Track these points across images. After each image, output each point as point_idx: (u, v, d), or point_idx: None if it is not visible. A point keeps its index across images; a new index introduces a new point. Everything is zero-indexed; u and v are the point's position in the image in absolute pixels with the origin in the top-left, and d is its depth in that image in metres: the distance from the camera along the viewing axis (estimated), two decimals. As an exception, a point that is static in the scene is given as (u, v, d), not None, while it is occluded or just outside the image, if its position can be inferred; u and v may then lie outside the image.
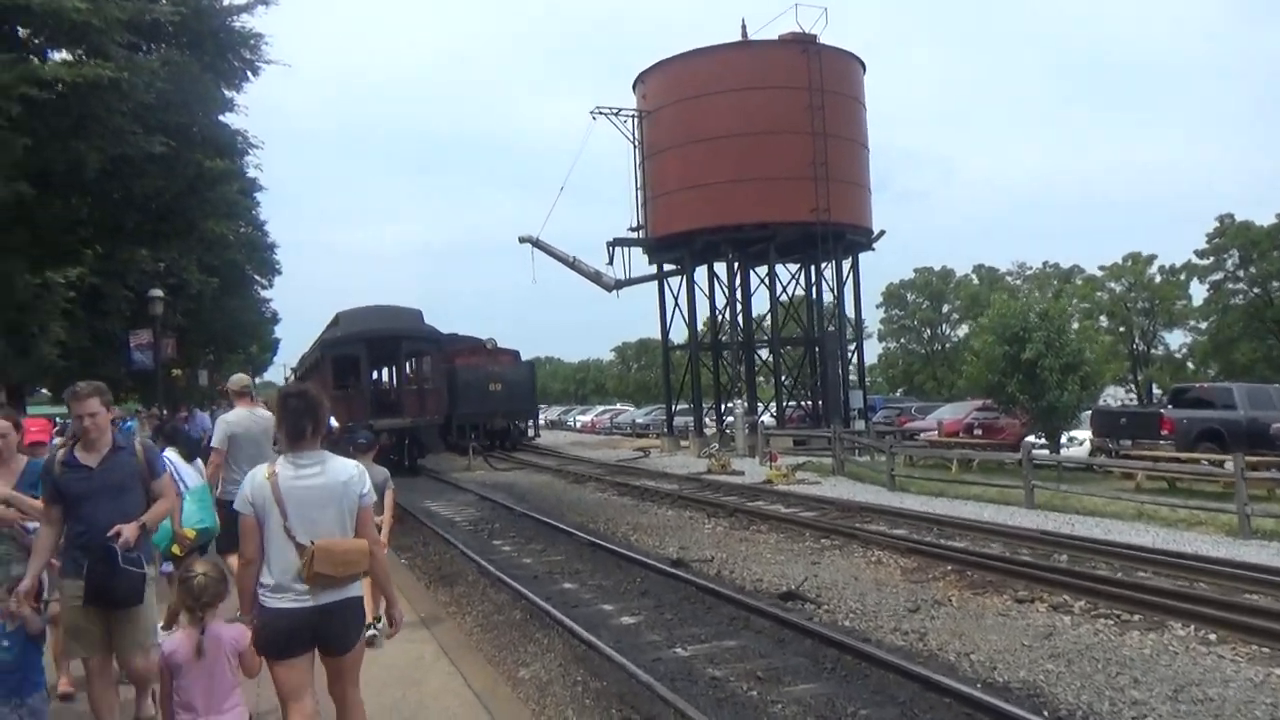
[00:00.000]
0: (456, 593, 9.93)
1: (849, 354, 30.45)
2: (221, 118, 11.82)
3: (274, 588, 4.03)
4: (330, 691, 4.23)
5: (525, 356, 34.71)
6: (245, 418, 7.01)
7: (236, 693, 4.08)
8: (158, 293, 21.18)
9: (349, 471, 4.14)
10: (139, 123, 10.14)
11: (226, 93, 11.49)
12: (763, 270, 30.45)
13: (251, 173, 25.90)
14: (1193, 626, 7.62)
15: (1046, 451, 18.18)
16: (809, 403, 31.45)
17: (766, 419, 30.24)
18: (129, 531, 4.58)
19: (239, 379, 7.31)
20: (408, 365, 26.30)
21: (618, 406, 61.68)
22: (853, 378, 30.26)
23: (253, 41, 11.24)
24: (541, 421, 41.56)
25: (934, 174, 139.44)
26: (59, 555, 4.73)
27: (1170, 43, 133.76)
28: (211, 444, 7.01)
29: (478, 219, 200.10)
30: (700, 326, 32.00)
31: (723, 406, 31.79)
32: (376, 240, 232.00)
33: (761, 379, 34.03)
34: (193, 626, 4.08)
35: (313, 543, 3.99)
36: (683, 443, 30.31)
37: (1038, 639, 7.50)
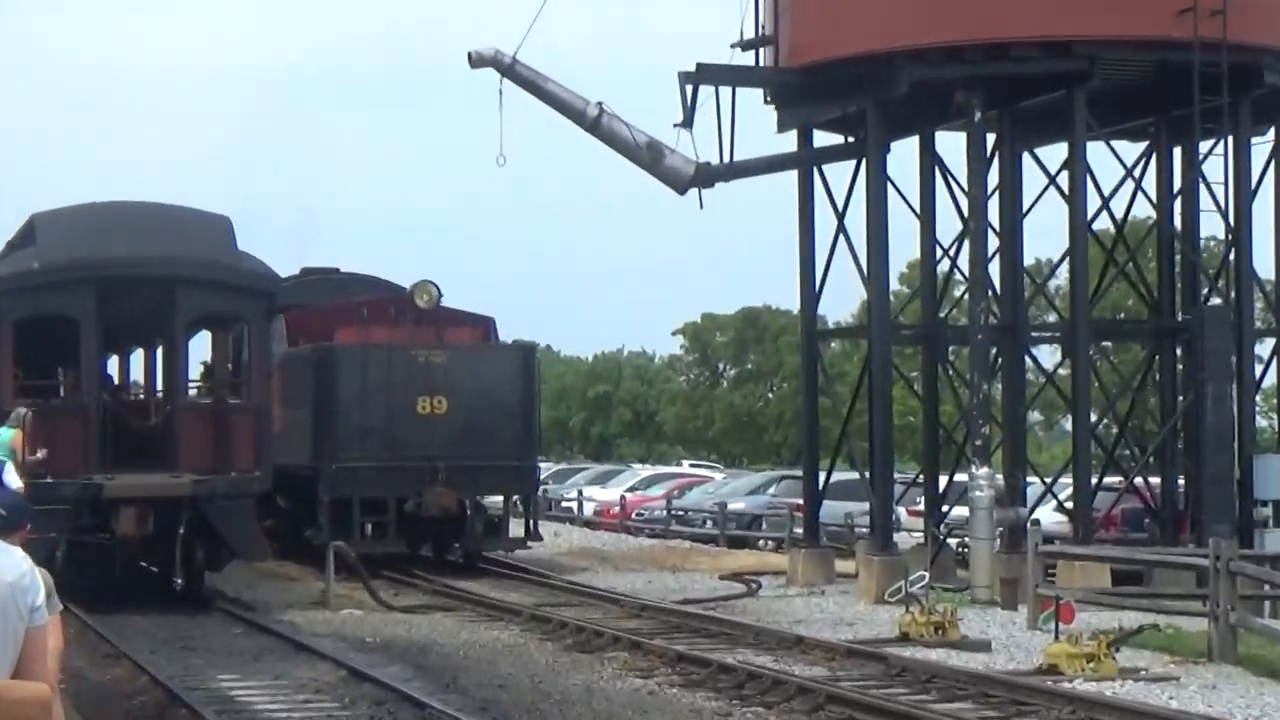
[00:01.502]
0: None
1: (1254, 366, 30.97)
2: None
3: None
4: None
5: (510, 332, 36.33)
6: None
7: None
8: None
9: (17, 568, 5.02)
10: None
11: None
12: (1053, 155, 30.45)
13: None
14: None
15: None
16: (1152, 479, 31.71)
17: (1048, 516, 30.56)
18: None
19: None
20: (189, 345, 26.96)
21: (685, 468, 61.35)
22: (1266, 423, 30.89)
23: None
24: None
25: None
26: None
27: None
28: None
29: (378, 9, 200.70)
30: (896, 284, 32.49)
31: (940, 480, 32.33)
32: (133, 45, 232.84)
33: (1039, 416, 33.56)
34: None
35: None
36: (842, 564, 30.81)
37: None
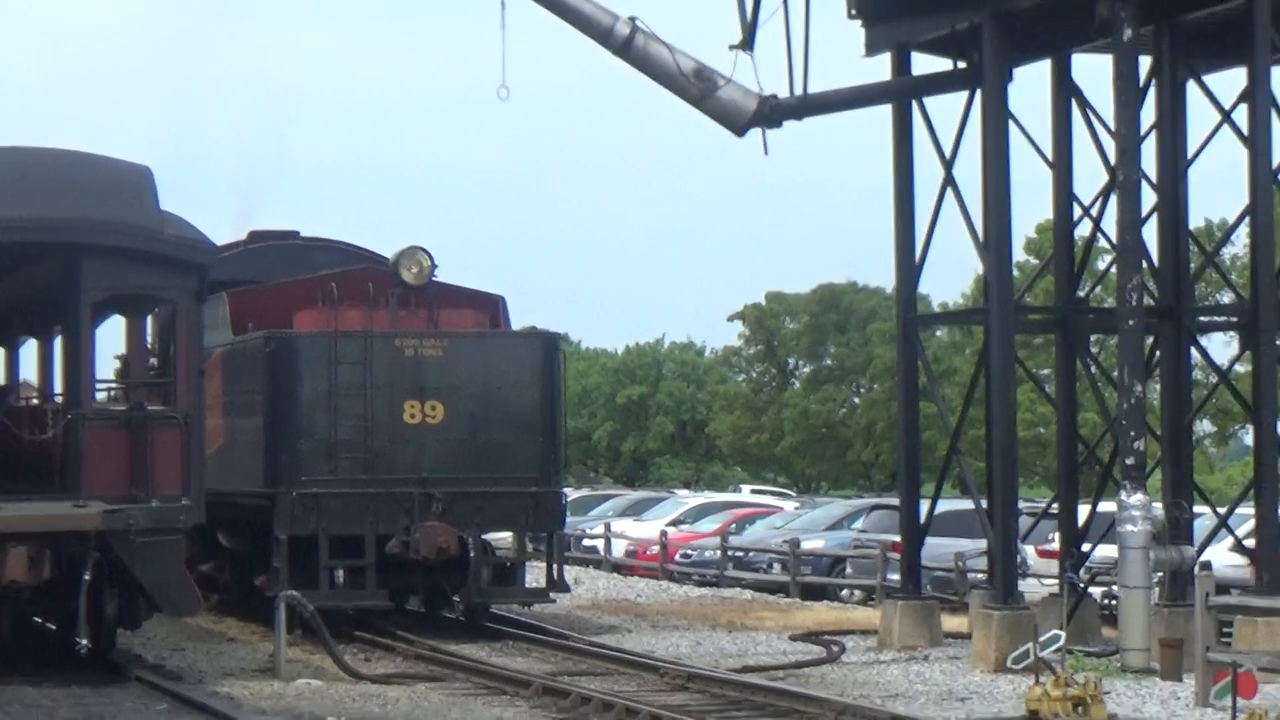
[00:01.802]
0: None
1: None
2: None
3: None
4: None
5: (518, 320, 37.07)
6: None
7: None
8: None
9: None
10: None
11: None
12: (1228, 84, 30.88)
13: None
14: None
15: None
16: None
17: (1222, 557, 31.33)
18: None
19: None
20: (96, 335, 26.82)
21: (745, 495, 61.58)
22: None
23: None
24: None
25: None
26: None
27: None
28: None
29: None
30: (1020, 253, 31.31)
31: (1080, 511, 32.56)
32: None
33: (1210, 426, 33.31)
34: None
35: None
36: (951, 621, 32.43)
37: None
